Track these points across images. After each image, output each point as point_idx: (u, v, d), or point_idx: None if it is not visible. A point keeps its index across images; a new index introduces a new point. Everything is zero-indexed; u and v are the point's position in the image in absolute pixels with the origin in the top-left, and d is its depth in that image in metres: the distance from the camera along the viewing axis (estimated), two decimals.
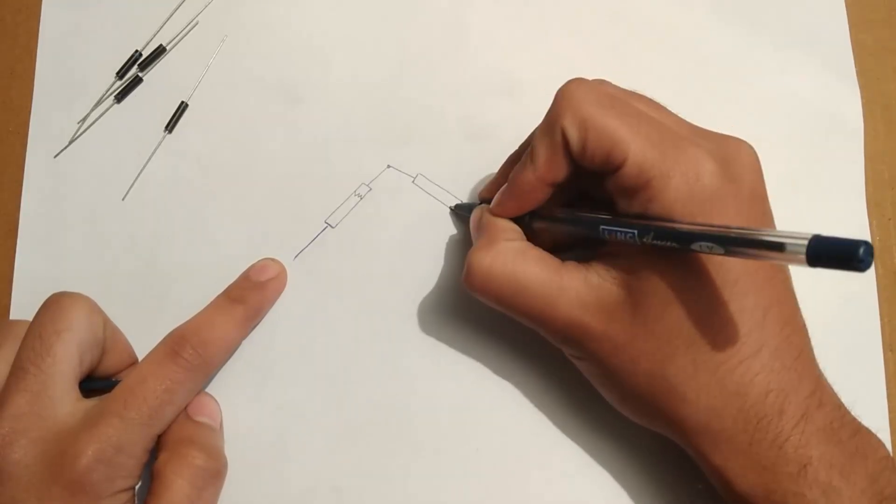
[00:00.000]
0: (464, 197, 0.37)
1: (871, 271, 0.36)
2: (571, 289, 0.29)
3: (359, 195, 0.37)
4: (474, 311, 0.35)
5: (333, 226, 0.37)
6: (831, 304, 0.35)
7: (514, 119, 0.38)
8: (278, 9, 0.40)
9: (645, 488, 0.33)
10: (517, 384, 0.35)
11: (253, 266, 0.35)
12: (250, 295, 0.34)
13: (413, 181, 0.37)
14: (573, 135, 0.28)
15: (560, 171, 0.29)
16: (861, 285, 0.36)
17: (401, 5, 0.39)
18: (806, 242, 0.21)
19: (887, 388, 0.35)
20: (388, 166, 0.37)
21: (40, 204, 0.37)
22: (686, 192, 0.26)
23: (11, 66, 0.39)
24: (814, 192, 0.37)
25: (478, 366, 0.35)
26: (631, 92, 0.30)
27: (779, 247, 0.22)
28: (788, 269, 0.29)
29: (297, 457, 0.34)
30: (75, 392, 0.30)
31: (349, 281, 0.36)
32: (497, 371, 0.35)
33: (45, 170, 0.37)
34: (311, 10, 0.39)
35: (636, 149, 0.27)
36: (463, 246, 0.36)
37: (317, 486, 0.34)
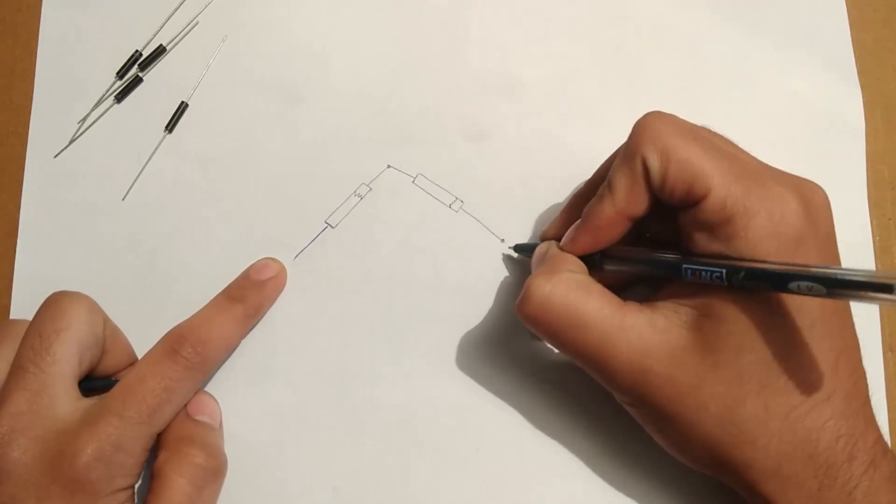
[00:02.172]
0: (464, 197, 0.37)
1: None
2: (633, 330, 0.27)
3: (359, 195, 0.37)
4: (474, 312, 0.35)
5: (333, 226, 0.37)
6: None
7: (514, 119, 0.38)
8: (278, 9, 0.40)
9: (644, 490, 0.33)
10: (517, 384, 0.35)
11: (253, 265, 0.35)
12: (250, 294, 0.34)
13: (413, 181, 0.37)
14: (654, 165, 0.27)
15: (640, 204, 0.28)
16: None
17: (401, 5, 0.39)
18: None
19: (887, 389, 0.35)
20: (388, 166, 0.37)
21: (40, 204, 0.37)
22: (771, 231, 0.26)
23: (11, 66, 0.39)
24: None
25: (478, 366, 0.35)
26: (702, 127, 0.29)
27: (888, 289, 0.21)
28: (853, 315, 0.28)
29: (297, 457, 0.34)
30: (75, 391, 0.30)
31: (349, 281, 0.36)
32: (497, 371, 0.35)
33: (45, 170, 0.37)
34: (311, 10, 0.39)
35: (720, 182, 0.26)
36: (465, 248, 0.36)
37: (317, 486, 0.34)
